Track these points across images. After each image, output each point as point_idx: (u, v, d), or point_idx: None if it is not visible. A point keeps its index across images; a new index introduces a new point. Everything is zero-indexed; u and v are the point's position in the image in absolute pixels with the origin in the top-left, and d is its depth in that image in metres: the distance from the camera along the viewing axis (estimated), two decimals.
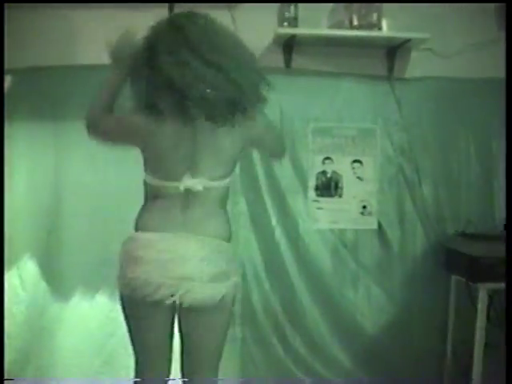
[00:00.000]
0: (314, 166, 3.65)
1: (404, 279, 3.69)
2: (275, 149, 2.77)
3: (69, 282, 3.53)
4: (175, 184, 2.39)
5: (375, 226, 3.68)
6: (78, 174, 3.55)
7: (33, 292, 3.54)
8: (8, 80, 2.81)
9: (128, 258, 2.41)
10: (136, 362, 2.59)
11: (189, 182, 2.38)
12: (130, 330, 2.54)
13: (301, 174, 3.62)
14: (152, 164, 2.44)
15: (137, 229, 2.47)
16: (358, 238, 3.68)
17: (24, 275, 3.54)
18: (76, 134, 3.48)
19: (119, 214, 3.36)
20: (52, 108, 3.55)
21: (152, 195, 2.47)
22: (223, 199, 2.52)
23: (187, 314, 2.45)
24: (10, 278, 3.54)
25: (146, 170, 2.48)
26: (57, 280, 3.54)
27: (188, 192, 2.40)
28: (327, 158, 3.64)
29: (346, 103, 3.64)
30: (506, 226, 2.89)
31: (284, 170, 3.59)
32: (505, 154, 3.48)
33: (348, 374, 3.65)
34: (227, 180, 2.49)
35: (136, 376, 2.58)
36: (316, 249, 3.63)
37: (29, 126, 3.56)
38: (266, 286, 3.60)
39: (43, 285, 3.54)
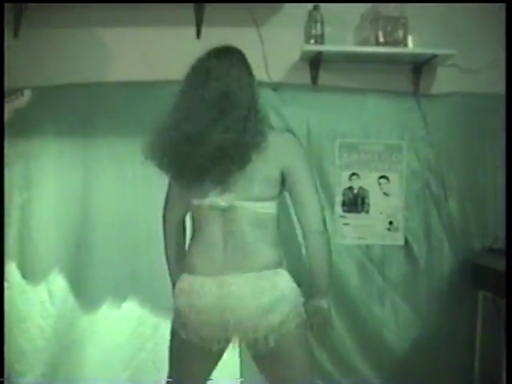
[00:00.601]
0: (341, 181, 3.67)
1: (431, 294, 3.69)
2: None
3: (97, 295, 3.57)
4: (203, 201, 2.31)
5: (402, 242, 3.68)
6: (106, 189, 3.59)
7: (61, 306, 3.58)
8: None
9: (181, 301, 2.35)
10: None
11: (214, 199, 2.30)
12: (170, 358, 2.46)
13: (328, 190, 3.64)
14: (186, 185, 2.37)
15: (187, 269, 2.38)
16: (384, 253, 3.68)
17: (53, 289, 3.58)
18: (105, 150, 3.60)
19: (147, 229, 3.44)
20: (82, 124, 3.61)
21: (194, 231, 2.41)
22: (270, 226, 2.36)
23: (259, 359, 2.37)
24: (38, 292, 3.59)
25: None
26: (85, 294, 3.57)
27: (224, 215, 2.30)
28: (354, 174, 3.66)
29: (372, 119, 3.67)
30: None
31: None
32: None
33: None
34: (267, 204, 2.33)
35: None
36: (343, 264, 3.64)
37: (59, 142, 3.62)
38: None
39: (72, 299, 3.58)
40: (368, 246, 3.67)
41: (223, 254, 2.30)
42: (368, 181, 3.67)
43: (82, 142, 3.61)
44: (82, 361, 3.56)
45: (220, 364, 2.46)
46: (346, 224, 3.65)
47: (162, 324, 3.43)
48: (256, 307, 2.25)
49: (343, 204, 3.65)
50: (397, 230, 3.67)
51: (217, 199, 2.29)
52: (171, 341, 2.42)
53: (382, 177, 3.67)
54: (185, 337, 2.31)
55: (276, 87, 3.62)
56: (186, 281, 2.36)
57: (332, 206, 3.64)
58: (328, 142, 3.65)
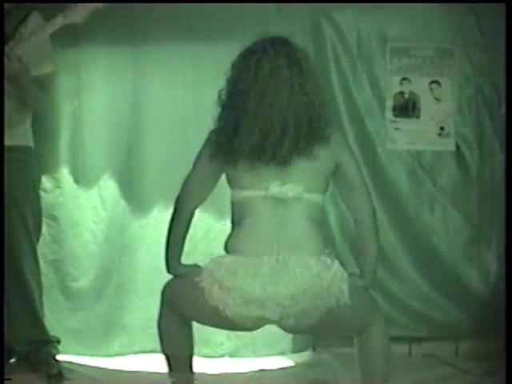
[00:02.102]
0: (392, 86, 3.63)
1: (481, 202, 3.66)
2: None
3: (148, 199, 3.62)
4: (261, 192, 2.24)
5: (453, 148, 3.65)
6: (156, 95, 3.60)
7: (113, 211, 3.64)
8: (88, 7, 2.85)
9: (216, 285, 2.24)
10: None
11: (277, 189, 2.22)
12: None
13: (378, 95, 3.62)
14: (236, 175, 2.29)
15: (227, 251, 2.33)
16: (435, 159, 3.66)
17: (104, 194, 3.63)
18: (155, 57, 3.60)
19: (198, 133, 3.44)
20: (132, 32, 3.60)
21: (239, 217, 2.31)
22: (318, 218, 2.34)
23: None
24: (90, 197, 3.64)
25: (228, 182, 2.35)
26: (136, 198, 3.62)
27: (277, 206, 2.24)
28: (405, 79, 3.62)
29: (424, 23, 3.61)
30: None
31: (361, 90, 3.59)
32: None
33: (423, 296, 3.65)
34: (321, 197, 2.33)
35: None
36: (393, 169, 3.63)
37: (108, 50, 3.63)
38: (343, 205, 3.58)
39: (123, 203, 3.62)
40: (419, 152, 3.65)
41: (276, 240, 2.24)
42: (419, 85, 3.62)
43: (133, 50, 3.61)
44: (134, 264, 3.63)
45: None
46: (396, 129, 3.62)
47: (214, 225, 3.49)
48: (307, 290, 2.21)
49: (394, 109, 3.62)
50: (448, 135, 3.63)
51: (280, 190, 2.22)
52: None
53: (433, 82, 3.62)
54: (220, 307, 2.24)
55: None
56: (232, 261, 2.27)
57: (382, 110, 3.62)
58: (378, 47, 3.61)
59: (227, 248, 2.32)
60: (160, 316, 2.45)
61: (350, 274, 2.34)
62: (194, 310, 2.35)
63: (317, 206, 2.32)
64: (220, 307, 2.23)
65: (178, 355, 2.47)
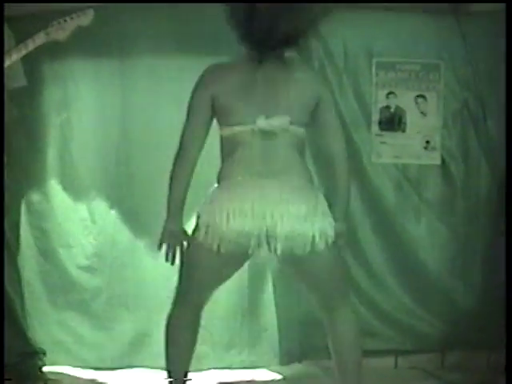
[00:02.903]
0: (378, 100, 3.65)
1: (467, 215, 3.69)
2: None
3: (137, 212, 3.62)
4: (250, 127, 2.32)
5: (439, 162, 3.68)
6: (143, 108, 3.62)
7: (102, 223, 3.65)
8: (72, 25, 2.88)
9: (214, 210, 2.32)
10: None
11: (264, 122, 2.30)
12: (181, 274, 2.49)
13: (364, 109, 3.64)
14: (223, 110, 2.38)
15: (219, 181, 2.42)
16: (421, 173, 3.69)
17: (93, 207, 3.64)
18: (142, 70, 3.61)
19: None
20: (119, 45, 3.62)
21: (228, 151, 2.40)
22: (303, 150, 2.45)
23: (286, 264, 2.44)
24: (79, 210, 3.65)
25: (218, 121, 2.43)
26: (125, 211, 3.63)
27: (265, 138, 2.33)
28: (391, 93, 3.65)
29: (410, 38, 3.64)
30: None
31: (348, 103, 3.61)
32: None
33: (409, 309, 3.67)
34: (304, 130, 2.42)
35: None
36: (379, 183, 3.65)
37: (96, 63, 3.65)
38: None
39: (112, 216, 3.64)
40: (405, 165, 3.68)
41: (265, 169, 2.33)
42: (405, 100, 3.66)
43: (120, 62, 3.63)
44: (124, 278, 3.63)
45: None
46: (382, 142, 3.65)
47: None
48: (295, 215, 2.28)
49: (380, 123, 3.65)
50: (434, 149, 3.66)
51: (268, 122, 2.30)
52: (191, 258, 2.43)
53: (419, 96, 3.65)
54: (215, 246, 2.31)
55: None
56: (223, 188, 2.37)
57: (369, 124, 3.64)
58: (365, 61, 3.64)
59: (219, 180, 2.41)
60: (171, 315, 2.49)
61: None
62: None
63: (301, 138, 2.42)
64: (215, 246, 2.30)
65: (179, 359, 2.50)
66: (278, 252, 2.30)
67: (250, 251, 2.32)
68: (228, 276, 2.49)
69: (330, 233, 2.35)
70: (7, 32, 3.01)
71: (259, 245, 2.31)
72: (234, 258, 2.37)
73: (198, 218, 2.38)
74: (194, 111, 2.43)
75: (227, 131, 2.38)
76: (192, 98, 2.44)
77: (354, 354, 2.45)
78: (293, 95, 2.35)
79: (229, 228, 2.28)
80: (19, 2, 3.09)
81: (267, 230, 2.28)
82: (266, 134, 2.32)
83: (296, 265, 2.40)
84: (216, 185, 2.41)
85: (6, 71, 2.87)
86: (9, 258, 3.18)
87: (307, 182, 2.40)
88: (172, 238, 2.47)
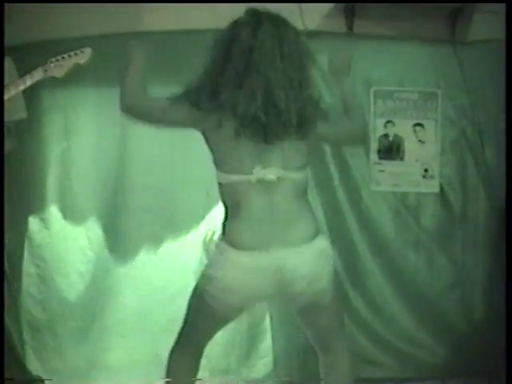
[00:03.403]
0: (376, 129, 3.67)
1: (466, 243, 3.69)
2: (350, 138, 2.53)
3: (134, 241, 3.64)
4: (247, 177, 2.24)
5: (437, 190, 3.69)
6: (143, 137, 3.62)
7: (99, 252, 3.66)
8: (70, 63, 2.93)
9: (223, 272, 2.26)
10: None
11: (261, 173, 2.23)
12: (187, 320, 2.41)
13: None
14: (219, 155, 2.30)
15: (227, 240, 2.30)
16: (419, 201, 3.70)
17: (92, 236, 3.66)
18: None
19: (184, 175, 3.50)
20: (118, 74, 3.64)
21: (230, 199, 2.31)
22: (304, 193, 2.37)
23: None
24: (78, 238, 3.66)
25: (215, 163, 2.33)
26: (123, 239, 3.66)
27: (266, 188, 2.25)
28: (389, 122, 3.67)
29: (407, 66, 3.68)
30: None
31: None
32: None
33: (409, 337, 3.66)
34: (304, 173, 2.34)
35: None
36: (378, 211, 3.67)
37: (96, 92, 3.68)
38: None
39: (109, 245, 3.65)
40: (403, 194, 3.69)
41: (270, 228, 2.26)
42: (403, 128, 3.68)
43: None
44: (119, 306, 3.64)
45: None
46: (381, 171, 3.66)
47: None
48: (304, 277, 2.24)
49: (378, 151, 3.67)
50: (432, 177, 3.67)
51: (264, 172, 2.24)
52: (196, 305, 2.37)
53: (417, 124, 3.68)
54: (214, 305, 2.26)
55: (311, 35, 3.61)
56: (231, 255, 2.27)
57: (367, 152, 3.65)
58: (363, 90, 3.65)
59: (225, 234, 2.30)
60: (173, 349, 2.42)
61: None
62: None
63: (304, 183, 2.33)
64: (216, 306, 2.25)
65: None
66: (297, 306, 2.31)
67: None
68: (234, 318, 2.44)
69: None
70: (9, 62, 3.04)
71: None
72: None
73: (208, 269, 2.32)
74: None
75: (224, 179, 2.30)
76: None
77: None
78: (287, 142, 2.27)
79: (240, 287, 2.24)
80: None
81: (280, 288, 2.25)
82: (265, 184, 2.25)
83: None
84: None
85: (5, 104, 2.90)
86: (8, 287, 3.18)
87: (315, 233, 2.31)
88: None
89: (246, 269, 2.24)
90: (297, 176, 2.31)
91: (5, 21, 2.86)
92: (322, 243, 2.32)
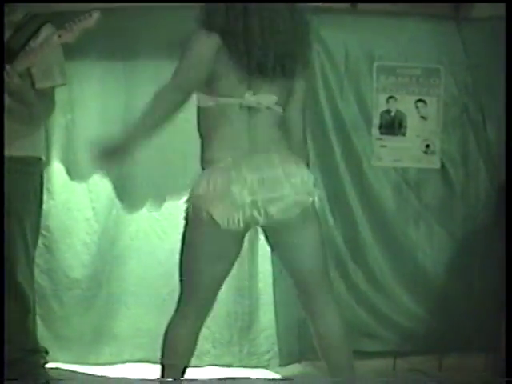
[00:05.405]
0: (378, 104, 3.70)
1: (466, 219, 3.72)
2: None
3: (139, 214, 3.69)
4: (238, 100, 2.27)
5: (438, 166, 3.71)
6: None
7: (105, 223, 3.71)
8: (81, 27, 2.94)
9: (204, 190, 2.29)
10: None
11: (252, 98, 2.27)
12: (181, 257, 2.47)
13: (365, 112, 3.68)
14: (208, 77, 2.29)
15: (203, 168, 2.37)
16: (420, 176, 3.72)
17: (97, 207, 3.71)
18: (147, 73, 3.66)
19: (188, 145, 3.52)
20: (123, 47, 3.68)
21: (211, 125, 2.34)
22: (283, 129, 2.40)
23: (274, 234, 2.38)
24: (83, 209, 3.71)
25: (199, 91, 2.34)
26: (128, 211, 3.70)
27: (250, 114, 2.30)
28: (391, 97, 3.69)
29: (410, 42, 3.68)
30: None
31: (349, 107, 3.66)
32: None
33: (408, 312, 3.70)
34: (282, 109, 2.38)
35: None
36: (379, 186, 3.69)
37: (101, 64, 3.72)
38: (330, 221, 3.66)
39: (114, 216, 3.70)
40: (404, 169, 3.71)
41: (249, 148, 2.31)
42: (405, 104, 3.70)
43: (124, 65, 3.69)
44: (124, 275, 3.70)
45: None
46: (382, 146, 3.69)
47: None
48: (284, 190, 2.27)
49: (380, 126, 3.69)
50: (433, 153, 3.70)
51: (257, 98, 2.28)
52: (188, 234, 2.40)
53: (419, 100, 3.69)
54: (205, 214, 2.27)
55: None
56: (211, 173, 2.31)
57: (369, 128, 3.68)
58: (365, 65, 3.68)
59: (203, 164, 2.36)
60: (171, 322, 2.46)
61: None
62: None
63: (282, 116, 2.36)
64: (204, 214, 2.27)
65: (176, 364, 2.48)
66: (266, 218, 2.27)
67: (240, 222, 2.27)
68: (228, 258, 2.41)
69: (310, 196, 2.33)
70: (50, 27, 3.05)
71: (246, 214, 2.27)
72: (229, 233, 2.30)
73: (188, 201, 2.36)
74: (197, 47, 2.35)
75: (209, 101, 2.31)
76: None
77: (342, 355, 2.39)
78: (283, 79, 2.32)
79: (218, 202, 2.25)
80: (19, 2, 3.14)
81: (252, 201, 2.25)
82: (250, 111, 2.30)
83: (279, 237, 2.37)
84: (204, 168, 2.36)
85: (41, 68, 2.95)
86: (26, 255, 3.21)
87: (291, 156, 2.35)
88: None
89: (223, 179, 2.25)
90: (279, 109, 2.34)
91: None
92: (302, 171, 2.32)
